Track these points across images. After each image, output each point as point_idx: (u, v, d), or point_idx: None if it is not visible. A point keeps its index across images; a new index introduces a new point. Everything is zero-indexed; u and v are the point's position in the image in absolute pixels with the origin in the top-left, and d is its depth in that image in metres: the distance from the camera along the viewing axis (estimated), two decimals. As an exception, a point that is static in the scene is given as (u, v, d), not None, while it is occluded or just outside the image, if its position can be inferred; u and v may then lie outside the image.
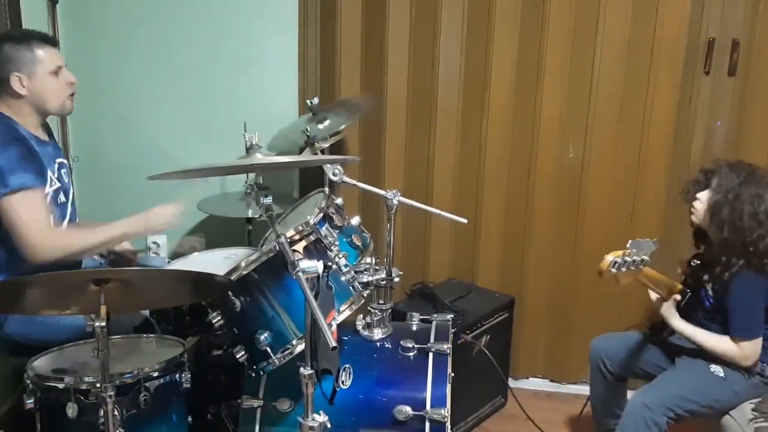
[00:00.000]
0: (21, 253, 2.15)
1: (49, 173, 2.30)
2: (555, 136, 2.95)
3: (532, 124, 2.95)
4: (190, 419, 2.12)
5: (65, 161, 2.48)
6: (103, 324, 1.63)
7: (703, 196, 2.23)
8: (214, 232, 3.29)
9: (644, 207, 2.96)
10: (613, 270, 2.04)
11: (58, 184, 2.33)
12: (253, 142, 1.86)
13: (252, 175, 2.83)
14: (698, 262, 2.35)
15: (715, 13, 2.79)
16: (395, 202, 2.25)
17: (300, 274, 1.62)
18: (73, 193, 2.50)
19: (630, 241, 2.05)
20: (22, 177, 2.14)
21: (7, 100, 2.28)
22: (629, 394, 2.52)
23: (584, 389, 2.74)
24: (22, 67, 2.23)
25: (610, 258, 2.04)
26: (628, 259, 2.05)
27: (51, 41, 2.33)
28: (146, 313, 2.43)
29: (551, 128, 2.94)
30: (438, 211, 2.35)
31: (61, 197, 2.38)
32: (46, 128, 2.47)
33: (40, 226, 2.15)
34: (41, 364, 1.98)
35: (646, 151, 2.91)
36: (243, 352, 1.96)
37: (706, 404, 2.18)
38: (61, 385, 1.87)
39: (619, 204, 2.97)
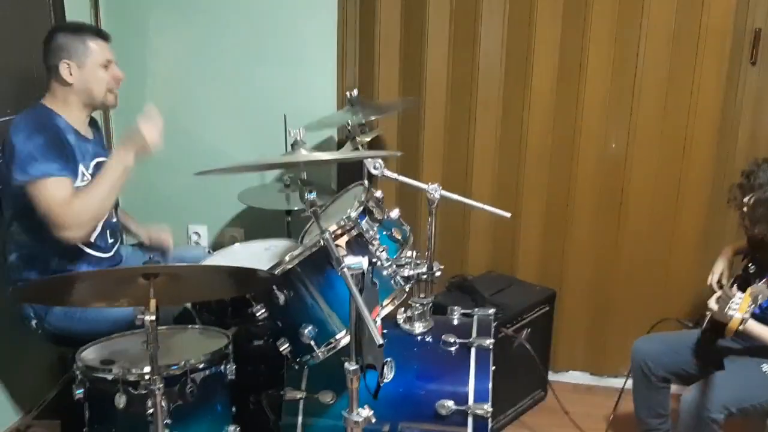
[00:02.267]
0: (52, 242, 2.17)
1: (81, 168, 2.31)
2: (597, 127, 2.91)
3: (574, 115, 2.91)
4: (234, 409, 2.14)
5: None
6: (153, 317, 1.66)
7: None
8: (254, 223, 3.31)
9: (688, 200, 2.90)
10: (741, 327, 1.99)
11: (90, 180, 2.34)
12: (298, 138, 1.86)
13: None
14: (754, 267, 2.30)
15: (761, 2, 2.72)
16: (437, 196, 2.24)
17: (345, 270, 1.62)
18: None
19: (754, 292, 2.01)
20: (45, 166, 2.16)
21: (55, 90, 2.32)
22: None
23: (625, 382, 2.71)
24: (73, 55, 2.28)
25: (738, 316, 1.98)
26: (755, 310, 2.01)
27: (103, 35, 2.37)
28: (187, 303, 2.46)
29: (593, 119, 2.90)
30: (481, 205, 2.33)
31: None
32: (94, 126, 2.50)
33: (61, 204, 2.15)
34: (89, 354, 2.02)
35: (690, 143, 2.85)
36: (286, 345, 1.98)
37: (758, 403, 2.16)
38: (109, 376, 1.90)
39: (662, 197, 2.92)
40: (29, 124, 2.24)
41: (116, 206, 2.53)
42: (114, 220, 2.51)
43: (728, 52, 2.75)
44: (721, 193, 2.90)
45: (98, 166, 2.39)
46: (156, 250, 2.63)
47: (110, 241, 2.47)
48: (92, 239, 2.39)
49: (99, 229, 2.41)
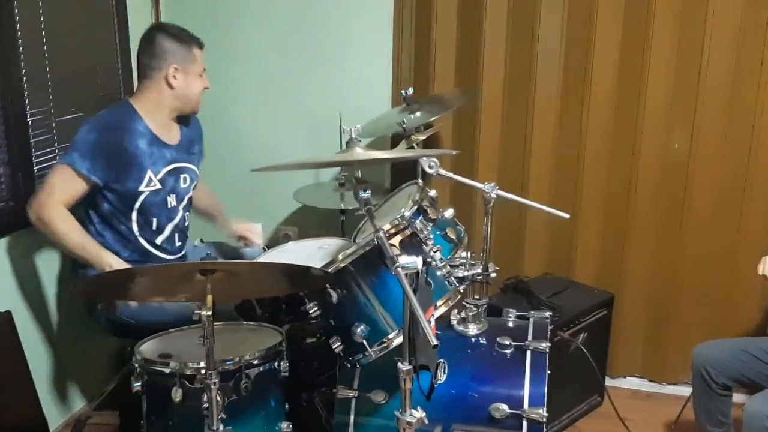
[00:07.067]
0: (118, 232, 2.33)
1: (149, 173, 2.37)
2: (659, 126, 2.82)
3: (636, 114, 2.83)
4: (287, 406, 2.15)
5: (192, 168, 2.54)
6: (209, 313, 1.68)
7: None
8: (308, 221, 3.33)
9: (754, 203, 2.80)
10: None
11: (158, 186, 2.40)
12: (352, 136, 1.86)
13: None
14: None
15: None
16: (493, 195, 2.21)
17: (399, 270, 1.61)
18: (190, 199, 2.57)
19: None
20: (80, 159, 2.25)
21: (148, 91, 2.38)
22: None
23: (685, 390, 2.63)
24: (181, 61, 2.36)
25: None
26: None
27: (202, 45, 2.45)
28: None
29: (656, 118, 2.82)
30: (539, 206, 2.28)
31: (171, 201, 2.46)
32: (189, 125, 2.56)
33: (52, 197, 2.24)
34: (148, 348, 2.06)
35: (757, 143, 2.75)
36: (339, 343, 1.97)
37: None
38: (167, 370, 1.93)
39: (727, 199, 2.82)
40: (102, 121, 2.33)
41: (188, 209, 2.58)
42: (186, 224, 2.58)
43: (800, 47, 2.63)
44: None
45: (172, 172, 2.45)
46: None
47: (178, 244, 2.54)
48: (159, 242, 2.46)
49: (168, 232, 2.48)
